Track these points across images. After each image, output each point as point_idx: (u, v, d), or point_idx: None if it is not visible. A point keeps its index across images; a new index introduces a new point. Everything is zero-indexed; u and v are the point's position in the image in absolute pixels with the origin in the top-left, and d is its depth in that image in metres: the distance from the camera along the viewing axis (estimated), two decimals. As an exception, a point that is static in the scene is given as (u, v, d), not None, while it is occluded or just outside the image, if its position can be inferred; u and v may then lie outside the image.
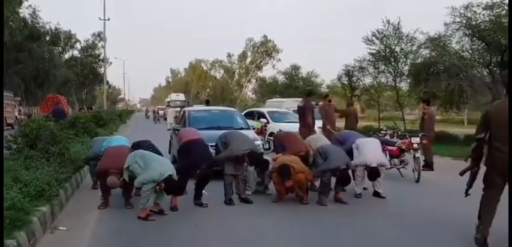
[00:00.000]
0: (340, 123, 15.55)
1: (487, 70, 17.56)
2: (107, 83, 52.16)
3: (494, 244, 5.07)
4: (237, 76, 63.61)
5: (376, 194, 7.84)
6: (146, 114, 59.44)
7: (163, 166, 6.26)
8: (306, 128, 11.18)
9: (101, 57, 48.48)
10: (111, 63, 53.93)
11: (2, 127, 7.37)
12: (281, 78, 44.84)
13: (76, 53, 48.67)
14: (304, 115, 11.51)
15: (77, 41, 47.50)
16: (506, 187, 4.95)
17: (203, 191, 7.34)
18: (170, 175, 6.14)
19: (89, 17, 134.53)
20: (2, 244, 4.44)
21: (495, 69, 17.10)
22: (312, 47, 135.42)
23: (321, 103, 14.30)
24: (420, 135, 10.50)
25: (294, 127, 13.17)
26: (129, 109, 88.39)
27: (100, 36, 47.37)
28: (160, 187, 6.11)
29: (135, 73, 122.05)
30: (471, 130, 25.59)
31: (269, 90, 44.03)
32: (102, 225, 5.94)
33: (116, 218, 6.24)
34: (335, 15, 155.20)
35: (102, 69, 47.55)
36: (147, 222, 5.94)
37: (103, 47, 46.25)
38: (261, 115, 17.54)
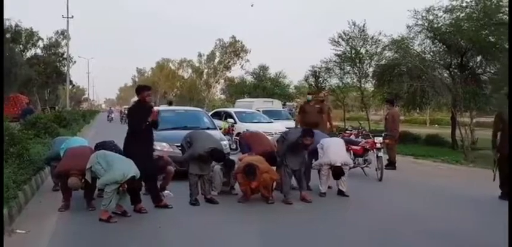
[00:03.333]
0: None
1: (447, 72, 18.11)
2: (71, 82, 50.74)
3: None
4: (205, 76, 63.31)
5: (340, 193, 7.97)
6: (108, 116, 46.18)
7: (127, 167, 6.13)
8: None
9: (64, 56, 47.05)
10: (75, 62, 52.42)
11: (2, 127, 7.10)
12: (249, 78, 44.97)
13: (38, 51, 47.19)
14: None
15: (40, 39, 46.08)
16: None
17: (168, 192, 7.30)
18: (133, 176, 6.04)
19: (52, 14, 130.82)
20: (1, 243, 4.43)
21: (455, 71, 17.66)
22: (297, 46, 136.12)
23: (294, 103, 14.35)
24: (383, 134, 10.75)
25: (261, 127, 13.25)
26: (94, 109, 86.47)
27: (63, 34, 46.01)
28: (123, 188, 6.00)
29: (100, 73, 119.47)
30: (433, 130, 26.45)
31: (237, 90, 44.03)
32: (63, 227, 5.78)
33: (77, 220, 6.09)
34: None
35: (66, 68, 46.20)
36: (109, 224, 5.83)
37: (66, 45, 44.97)
38: (229, 115, 17.53)
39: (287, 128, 13.77)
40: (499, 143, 7.90)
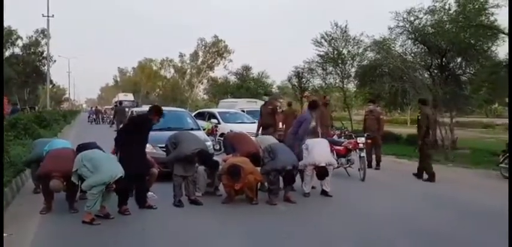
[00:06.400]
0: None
1: (428, 72, 18.38)
2: (51, 82, 49.90)
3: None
4: (188, 76, 62.93)
5: (324, 193, 8.03)
6: (89, 117, 42.35)
7: (114, 167, 6.05)
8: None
9: (44, 55, 46.21)
10: (55, 61, 51.72)
11: (2, 127, 6.94)
12: (233, 78, 44.92)
13: (17, 50, 46.33)
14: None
15: (19, 37, 45.24)
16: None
17: (151, 193, 7.24)
18: (121, 177, 5.97)
19: (32, 12, 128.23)
20: (1, 243, 4.43)
21: (436, 71, 17.94)
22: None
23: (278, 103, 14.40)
24: (365, 135, 10.86)
25: (245, 128, 13.24)
26: (75, 109, 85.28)
27: (44, 33, 45.18)
28: (110, 188, 5.93)
29: (81, 72, 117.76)
30: (413, 130, 26.73)
31: (221, 90, 43.93)
32: (45, 230, 5.69)
33: (59, 223, 6.00)
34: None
35: (46, 67, 45.36)
36: (92, 226, 5.76)
37: (47, 44, 44.18)
38: (212, 115, 17.46)
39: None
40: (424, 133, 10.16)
